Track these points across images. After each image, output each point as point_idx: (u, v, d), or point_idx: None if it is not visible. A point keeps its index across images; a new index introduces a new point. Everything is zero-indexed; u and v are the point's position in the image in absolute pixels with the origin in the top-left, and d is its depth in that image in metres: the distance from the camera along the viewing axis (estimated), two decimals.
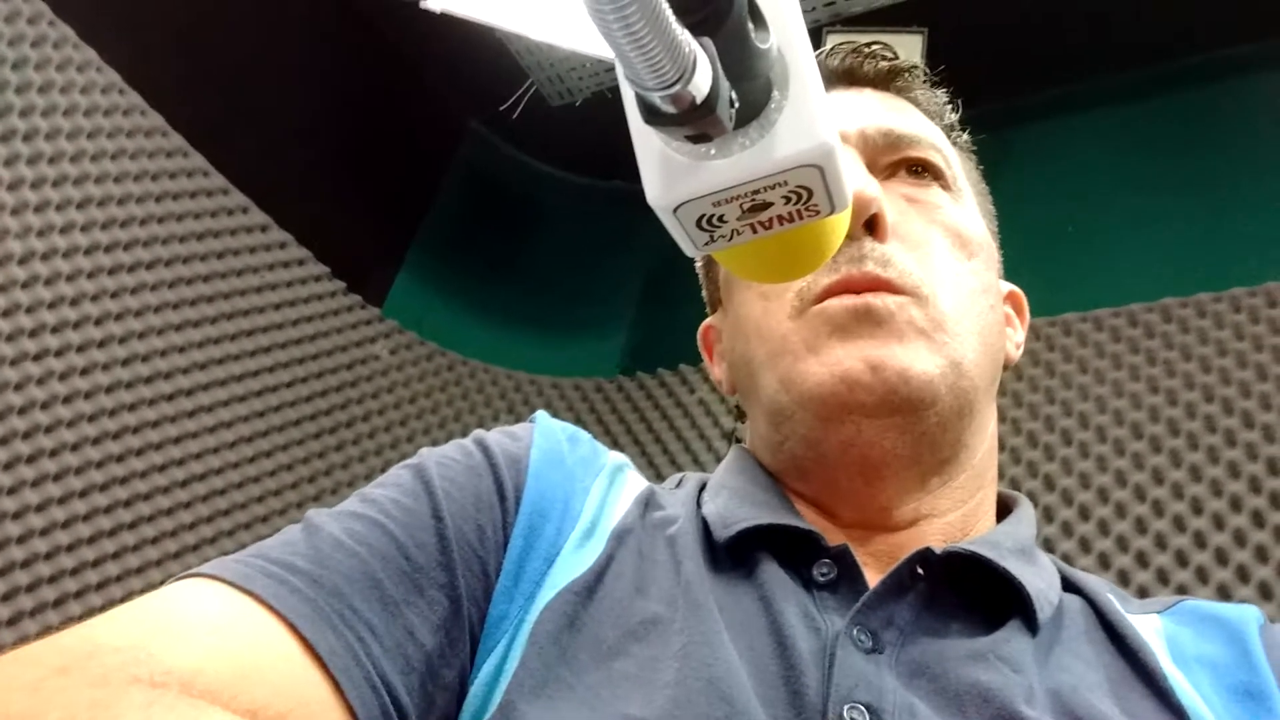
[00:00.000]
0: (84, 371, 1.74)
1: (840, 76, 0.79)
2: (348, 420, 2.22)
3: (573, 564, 0.63)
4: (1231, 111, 2.08)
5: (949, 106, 0.82)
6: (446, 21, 1.97)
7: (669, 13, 0.34)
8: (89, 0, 1.85)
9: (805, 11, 0.43)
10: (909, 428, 0.65)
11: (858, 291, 0.65)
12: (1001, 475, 1.87)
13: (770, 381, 0.69)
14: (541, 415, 0.74)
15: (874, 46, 0.80)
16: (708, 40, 0.38)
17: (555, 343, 2.69)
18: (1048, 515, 1.81)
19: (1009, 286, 0.82)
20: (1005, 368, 0.76)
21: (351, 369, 2.27)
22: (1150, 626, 0.63)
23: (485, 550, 0.61)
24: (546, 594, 0.61)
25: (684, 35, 0.36)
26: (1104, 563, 1.73)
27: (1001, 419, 1.91)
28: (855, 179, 0.65)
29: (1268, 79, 2.08)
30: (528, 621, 0.59)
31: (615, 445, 2.36)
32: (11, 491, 1.61)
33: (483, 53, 2.29)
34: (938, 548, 0.62)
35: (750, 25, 0.40)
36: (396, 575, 0.57)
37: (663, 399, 2.42)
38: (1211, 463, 1.73)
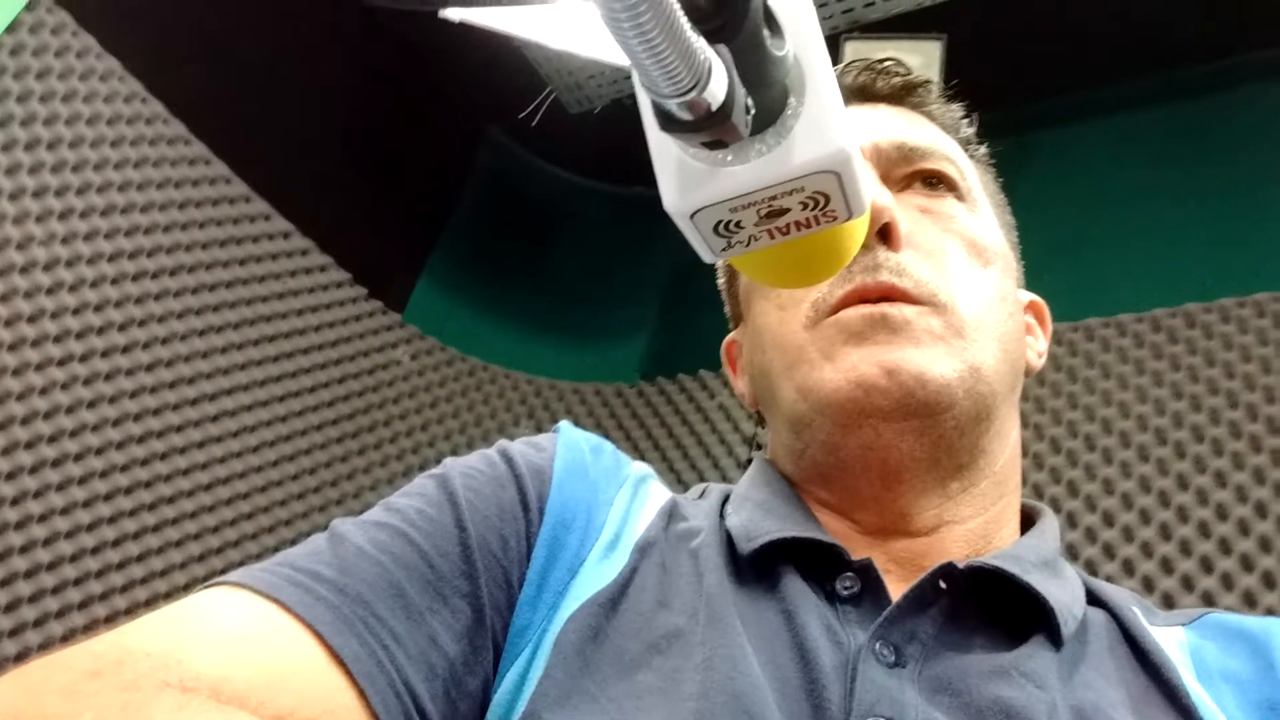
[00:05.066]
0: (108, 376, 1.75)
1: (855, 93, 0.79)
2: (369, 425, 2.23)
3: (596, 576, 0.63)
4: (1253, 115, 2.07)
5: (965, 120, 0.82)
6: (466, 31, 1.98)
7: (684, 20, 0.35)
8: (111, 10, 1.87)
9: (824, 19, 0.43)
10: (926, 431, 0.65)
11: (874, 301, 0.65)
12: (1024, 481, 1.85)
13: (788, 390, 0.70)
14: (565, 425, 0.74)
15: (887, 63, 0.80)
16: (723, 47, 0.38)
17: (576, 348, 2.69)
18: (1071, 521, 1.80)
19: (1030, 296, 0.82)
20: (1027, 376, 0.76)
21: (373, 374, 2.28)
22: (1174, 640, 0.62)
23: (508, 560, 0.62)
24: (570, 605, 0.61)
25: (699, 42, 0.36)
26: (1128, 569, 1.72)
27: (1024, 424, 1.90)
28: (868, 189, 0.66)
29: None
30: (551, 632, 0.60)
31: (636, 450, 2.36)
32: (38, 495, 1.62)
33: (502, 61, 2.30)
34: (960, 562, 0.61)
35: (766, 32, 0.40)
36: (420, 583, 0.58)
37: (683, 404, 2.42)
38: (1237, 469, 1.72)
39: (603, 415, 2.52)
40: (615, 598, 0.61)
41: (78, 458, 1.69)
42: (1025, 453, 1.88)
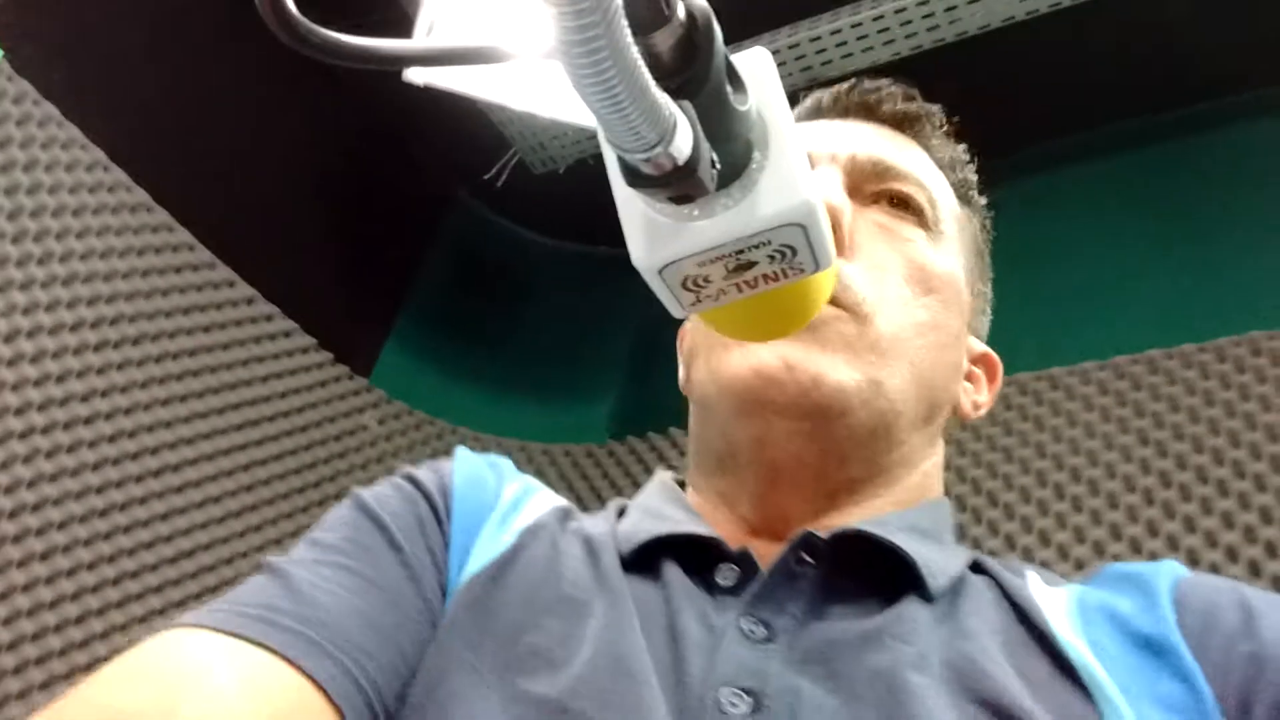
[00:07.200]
0: (70, 449, 1.72)
1: (858, 109, 0.81)
2: (337, 492, 2.20)
3: (483, 553, 0.66)
4: (1213, 163, 2.10)
5: (970, 165, 0.83)
6: (430, 94, 1.99)
7: (648, 77, 0.35)
8: (72, 78, 1.87)
9: (781, 76, 0.44)
10: (816, 435, 0.66)
11: None
12: (995, 531, 1.86)
13: (702, 370, 0.72)
14: (461, 448, 0.77)
15: (899, 88, 0.81)
16: (687, 103, 0.38)
17: (544, 409, 2.68)
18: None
19: (984, 349, 0.82)
20: (961, 420, 0.76)
21: (340, 439, 2.25)
22: (1061, 596, 0.62)
23: (438, 566, 0.66)
24: (459, 589, 0.64)
25: (664, 98, 0.36)
26: None
27: (993, 475, 1.90)
28: (828, 191, 0.66)
29: (1248, 130, 2.10)
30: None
31: None
32: None
33: (466, 123, 2.31)
34: (823, 531, 0.63)
35: (729, 87, 0.40)
36: (379, 604, 0.60)
37: (653, 463, 2.41)
38: (1205, 514, 1.72)
39: (573, 476, 2.51)
40: (496, 574, 0.64)
41: (39, 532, 1.65)
42: (995, 503, 1.89)
